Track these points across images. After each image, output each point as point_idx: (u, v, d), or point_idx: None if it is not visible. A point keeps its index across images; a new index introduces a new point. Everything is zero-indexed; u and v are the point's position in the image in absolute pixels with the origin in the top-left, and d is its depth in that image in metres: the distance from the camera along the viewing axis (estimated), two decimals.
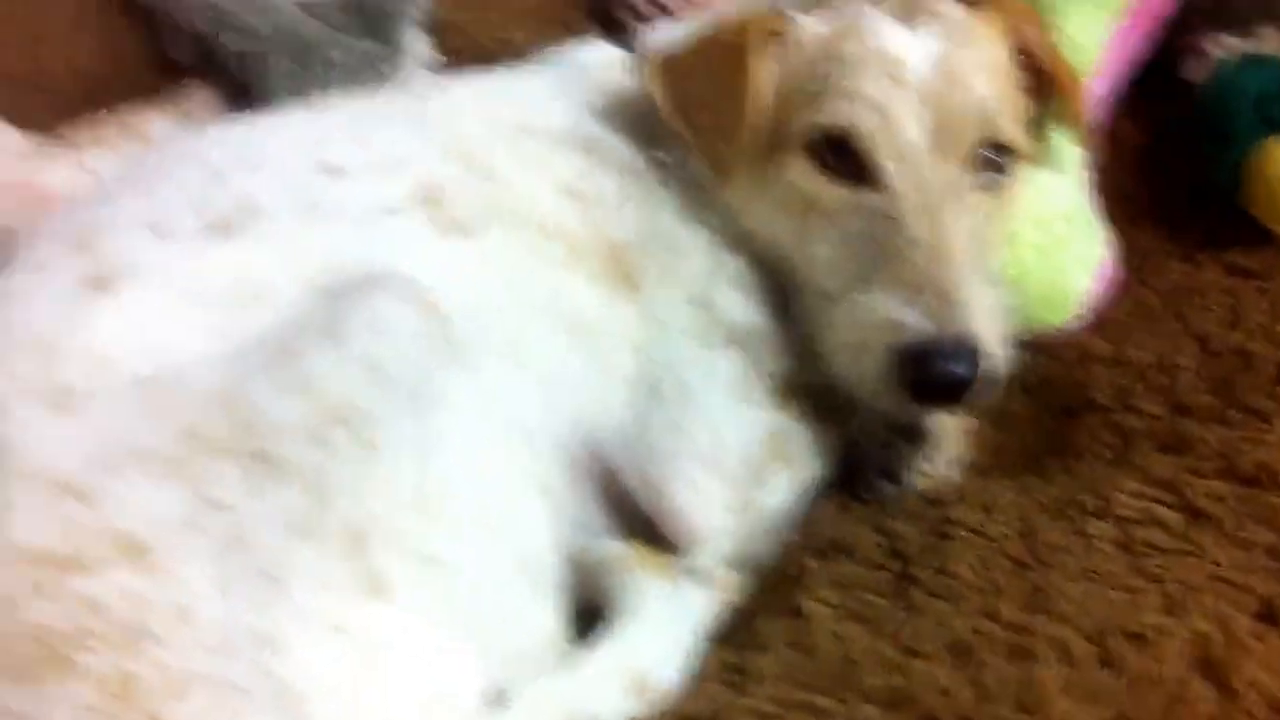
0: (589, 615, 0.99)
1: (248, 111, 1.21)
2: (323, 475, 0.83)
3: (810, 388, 1.06)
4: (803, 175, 1.03)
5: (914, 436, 1.08)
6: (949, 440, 1.10)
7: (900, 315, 0.96)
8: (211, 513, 0.81)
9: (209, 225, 0.95)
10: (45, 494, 0.81)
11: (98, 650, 0.77)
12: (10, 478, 0.82)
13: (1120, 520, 0.92)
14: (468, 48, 1.50)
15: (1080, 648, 0.79)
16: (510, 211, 1.04)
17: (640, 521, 1.05)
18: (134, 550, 0.79)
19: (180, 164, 1.03)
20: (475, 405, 0.91)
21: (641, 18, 1.43)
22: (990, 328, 0.98)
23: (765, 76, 1.04)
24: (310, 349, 0.88)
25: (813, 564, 0.99)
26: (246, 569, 0.80)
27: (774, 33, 1.06)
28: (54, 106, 1.40)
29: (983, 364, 0.95)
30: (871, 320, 0.97)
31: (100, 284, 0.91)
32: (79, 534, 0.80)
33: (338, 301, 0.91)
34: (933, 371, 0.95)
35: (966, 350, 0.95)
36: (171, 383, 0.87)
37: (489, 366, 0.94)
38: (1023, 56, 1.10)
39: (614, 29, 1.42)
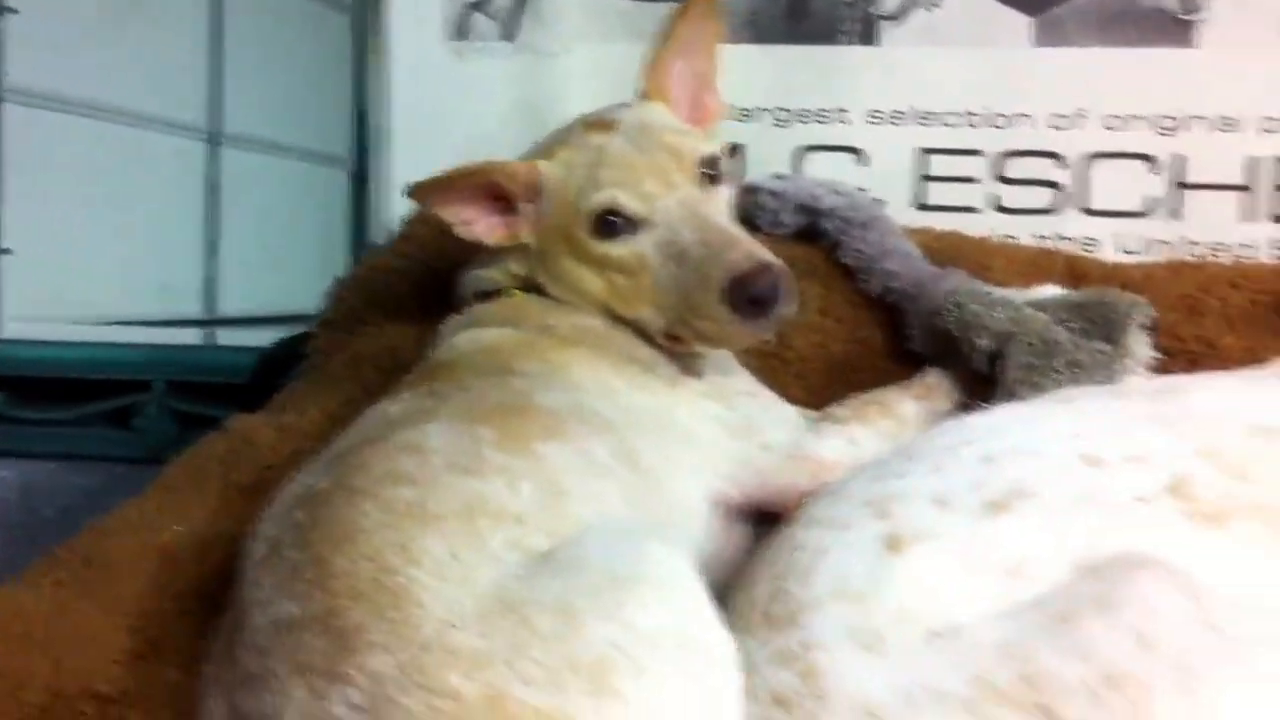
0: None
1: (987, 401, 1.37)
2: None
3: None
4: None
5: None
6: None
7: None
8: None
9: (986, 503, 1.12)
10: (851, 717, 0.98)
11: None
12: (822, 700, 1.00)
13: None
14: (1176, 349, 1.59)
15: None
16: (1258, 507, 1.11)
17: None
18: None
19: (960, 448, 1.22)
20: (1241, 689, 0.98)
21: None
22: None
23: None
24: (1084, 616, 1.00)
25: None
26: None
27: None
28: (806, 386, 1.64)
29: None
30: None
31: (896, 545, 1.10)
32: None
33: (1107, 577, 1.03)
34: None
35: None
36: (963, 635, 1.02)
37: (1248, 653, 1.01)
38: None
39: None
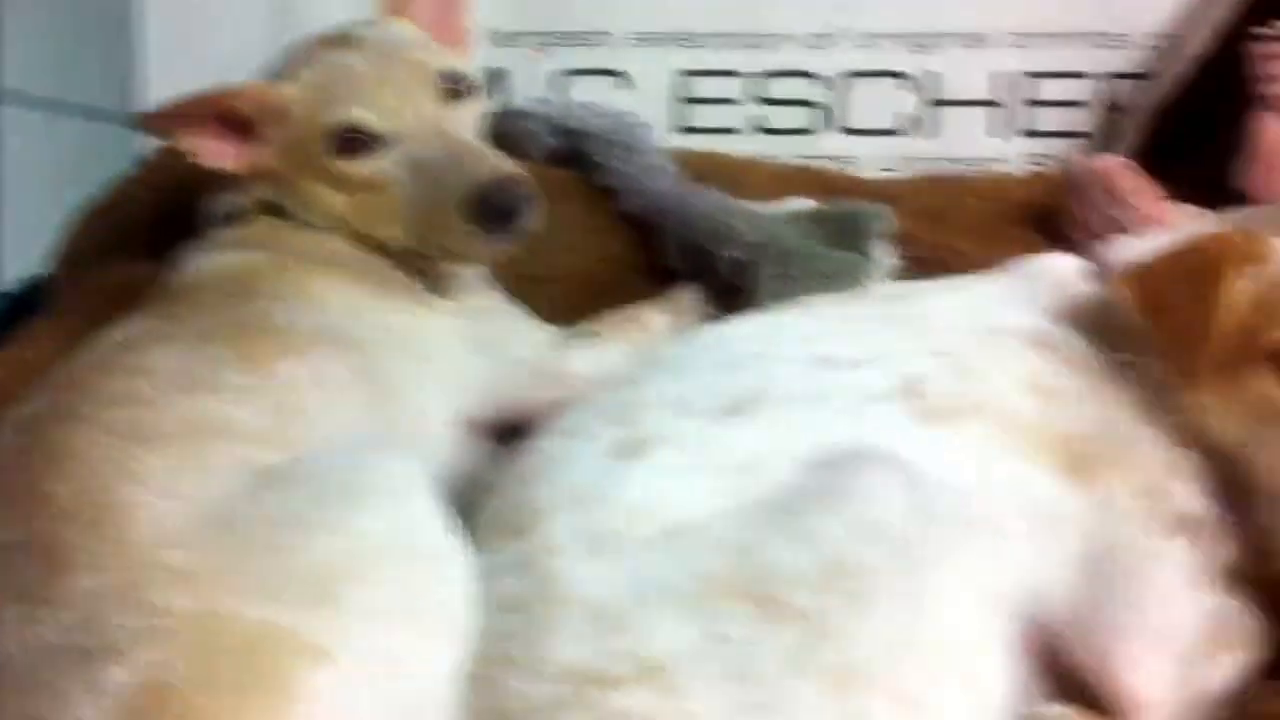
0: None
1: (735, 313, 1.39)
2: (821, 619, 0.96)
3: (1258, 579, 1.12)
4: (1271, 386, 1.11)
5: None
6: None
7: None
8: (720, 645, 0.96)
9: (723, 406, 1.14)
10: (584, 620, 0.99)
11: None
12: (554, 604, 1.01)
13: None
14: (921, 257, 1.63)
15: None
16: (979, 404, 1.16)
17: (1080, 691, 1.11)
18: (654, 672, 0.95)
19: (701, 354, 1.24)
20: (954, 570, 1.03)
21: (1096, 236, 1.54)
22: None
23: (1238, 292, 1.13)
24: (813, 508, 1.03)
25: None
26: (747, 699, 0.94)
27: (1252, 253, 1.15)
28: (563, 306, 1.63)
29: None
30: None
31: (633, 450, 1.11)
32: (610, 655, 0.97)
33: (836, 471, 1.07)
34: None
35: None
36: (692, 533, 1.04)
37: (963, 538, 1.06)
38: None
39: (1060, 244, 1.51)
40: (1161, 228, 1.45)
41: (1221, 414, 1.15)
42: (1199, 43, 1.91)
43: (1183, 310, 1.14)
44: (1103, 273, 1.27)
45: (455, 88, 1.38)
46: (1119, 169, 1.69)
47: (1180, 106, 1.87)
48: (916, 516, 1.03)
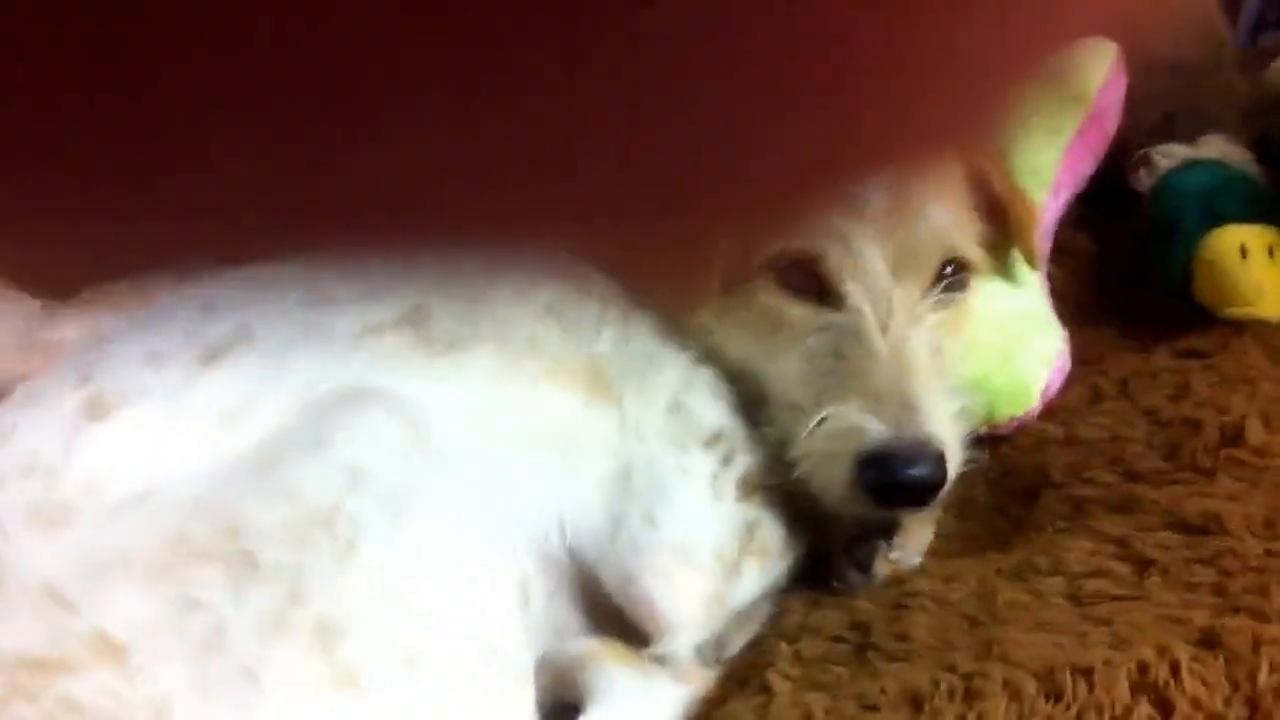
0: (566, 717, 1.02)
1: None
2: (300, 574, 0.88)
3: (782, 486, 1.11)
4: (771, 296, 1.11)
5: (884, 529, 1.12)
6: (917, 530, 1.13)
7: (862, 423, 1.03)
8: (192, 613, 0.86)
9: (203, 353, 1.03)
10: (33, 604, 0.86)
11: None
12: (1, 588, 0.88)
13: (1072, 576, 0.95)
14: None
15: (1029, 685, 0.81)
16: (492, 331, 1.11)
17: (616, 623, 1.09)
18: (111, 651, 0.84)
19: (178, 303, 1.12)
20: (455, 508, 0.97)
21: None
22: (950, 432, 1.05)
23: None
24: (293, 456, 0.94)
25: (782, 646, 1.02)
26: (225, 666, 0.85)
27: None
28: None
29: (941, 466, 1.02)
30: (836, 430, 1.05)
31: (97, 410, 0.98)
32: (61, 638, 0.85)
33: (322, 413, 0.98)
34: (893, 475, 1.02)
35: (926, 453, 1.02)
36: (160, 495, 0.93)
37: (470, 472, 1.00)
38: (974, 180, 1.19)
39: None
40: None
41: (727, 330, 1.14)
42: None
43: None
44: None
45: None
46: None
47: None
48: (410, 457, 0.97)
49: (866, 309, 1.07)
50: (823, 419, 1.05)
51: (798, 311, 1.10)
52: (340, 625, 0.87)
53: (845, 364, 1.06)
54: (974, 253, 1.16)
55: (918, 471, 1.01)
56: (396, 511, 0.93)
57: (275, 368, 1.03)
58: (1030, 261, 1.25)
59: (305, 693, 0.85)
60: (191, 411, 0.99)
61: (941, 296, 1.11)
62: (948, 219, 1.13)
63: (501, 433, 1.06)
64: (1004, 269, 1.24)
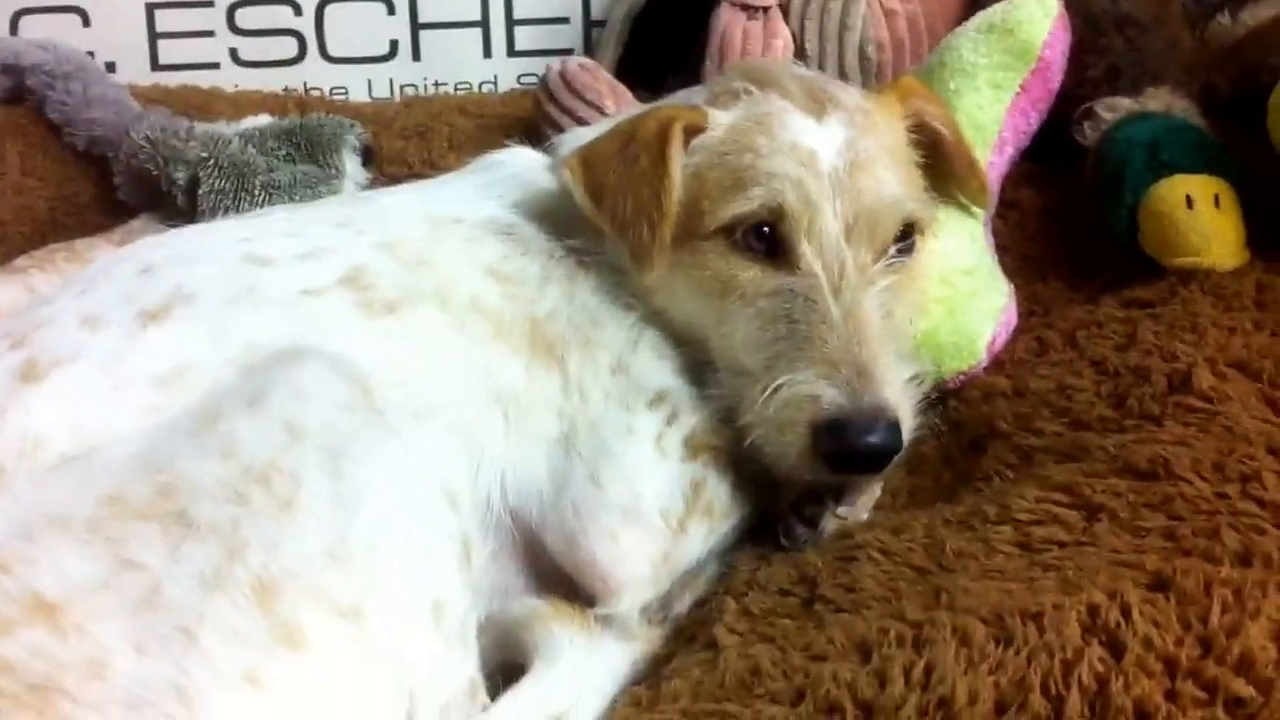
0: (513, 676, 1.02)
1: None
2: (238, 531, 0.86)
3: (729, 444, 1.10)
4: (721, 258, 1.09)
5: (833, 488, 1.11)
6: (866, 487, 1.13)
7: (817, 391, 1.02)
8: (128, 572, 0.84)
9: (140, 313, 1.01)
10: None
11: (6, 709, 0.78)
12: None
13: (1020, 524, 0.95)
14: (406, 174, 1.60)
15: (978, 631, 0.81)
16: (435, 292, 1.09)
17: (562, 582, 1.08)
18: (45, 610, 0.82)
19: (116, 265, 1.10)
20: (395, 466, 0.95)
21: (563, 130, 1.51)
22: (904, 398, 1.05)
23: (683, 166, 1.11)
24: (231, 414, 0.92)
25: (730, 602, 1.02)
26: (161, 624, 0.83)
27: (692, 126, 1.13)
28: (9, 249, 1.47)
29: (897, 433, 1.01)
30: (790, 398, 1.04)
31: (32, 373, 0.97)
32: None
33: (262, 372, 0.97)
34: (850, 443, 1.01)
35: (882, 421, 1.01)
36: (95, 456, 0.91)
37: (411, 431, 0.98)
38: (919, 132, 1.18)
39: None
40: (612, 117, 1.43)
41: (675, 291, 1.13)
42: None
43: (630, 194, 1.10)
44: (556, 163, 1.22)
45: None
46: (576, 69, 1.68)
47: (650, 13, 1.86)
48: (349, 415, 0.95)
49: (820, 272, 1.06)
50: (777, 386, 1.04)
51: (749, 274, 1.09)
52: (279, 582, 0.85)
53: (798, 329, 1.06)
54: (923, 212, 1.15)
55: (875, 439, 1.01)
56: (335, 469, 0.91)
57: (214, 329, 1.02)
58: (979, 201, 1.25)
59: (244, 649, 0.83)
60: (128, 373, 0.98)
61: (893, 260, 1.11)
62: (902, 182, 1.13)
63: (442, 393, 1.05)
64: (947, 219, 1.24)
